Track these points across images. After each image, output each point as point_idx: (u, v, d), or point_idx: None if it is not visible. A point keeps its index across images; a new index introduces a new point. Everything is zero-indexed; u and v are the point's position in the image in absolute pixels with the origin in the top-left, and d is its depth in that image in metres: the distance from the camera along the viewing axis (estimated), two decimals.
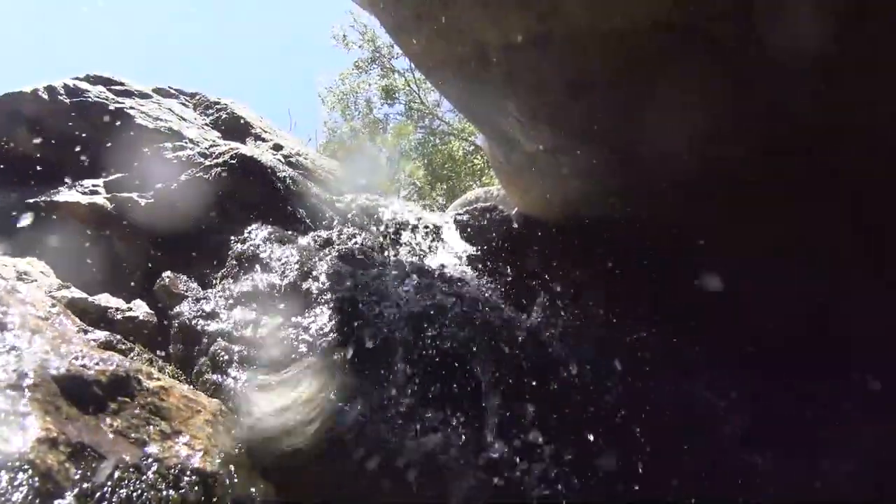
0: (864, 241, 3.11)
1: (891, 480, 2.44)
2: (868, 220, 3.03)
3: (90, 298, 2.93)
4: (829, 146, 2.80)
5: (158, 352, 2.71)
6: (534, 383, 2.70)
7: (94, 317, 2.86)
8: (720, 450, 2.65)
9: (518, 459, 2.36)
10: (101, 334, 2.65)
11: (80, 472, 1.81)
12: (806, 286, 3.07)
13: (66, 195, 3.43)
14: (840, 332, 3.07)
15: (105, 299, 2.92)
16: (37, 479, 1.70)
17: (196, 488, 1.93)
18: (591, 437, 2.56)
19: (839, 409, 2.75)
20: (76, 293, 2.96)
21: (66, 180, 3.55)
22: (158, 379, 2.22)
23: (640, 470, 2.43)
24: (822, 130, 2.77)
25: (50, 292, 2.98)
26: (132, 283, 3.02)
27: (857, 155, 2.78)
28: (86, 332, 2.68)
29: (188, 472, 1.96)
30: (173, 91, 4.36)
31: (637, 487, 2.36)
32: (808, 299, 3.07)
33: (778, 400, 2.87)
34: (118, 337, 2.65)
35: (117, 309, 2.88)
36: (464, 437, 2.35)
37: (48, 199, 3.45)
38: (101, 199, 3.31)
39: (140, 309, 2.88)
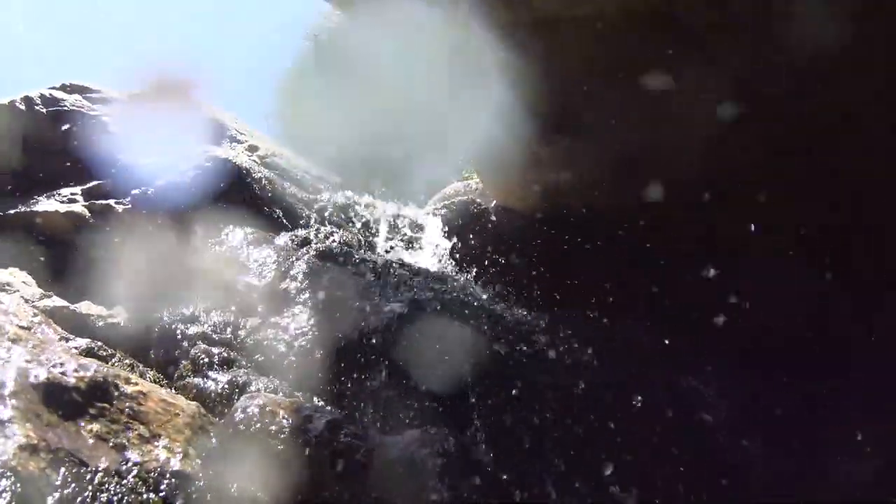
0: (864, 241, 3.13)
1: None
2: (868, 220, 3.05)
3: (71, 307, 2.95)
4: (827, 146, 2.83)
5: (141, 357, 2.73)
6: (518, 379, 2.71)
7: (75, 324, 2.89)
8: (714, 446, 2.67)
9: (501, 457, 2.39)
10: (83, 341, 2.68)
11: (61, 477, 1.84)
12: (805, 286, 3.09)
13: (45, 204, 3.44)
14: (840, 332, 3.09)
15: (86, 307, 2.95)
16: (19, 485, 1.73)
17: (176, 491, 1.96)
18: (578, 432, 2.58)
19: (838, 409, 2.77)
20: (58, 302, 2.99)
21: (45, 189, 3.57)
22: (136, 384, 2.25)
23: (631, 468, 2.46)
24: (818, 130, 2.79)
25: (32, 302, 3.00)
26: (113, 290, 3.04)
27: (854, 155, 2.81)
28: (67, 339, 2.71)
29: (168, 475, 2.00)
30: None
31: (628, 485, 2.38)
32: (807, 299, 3.09)
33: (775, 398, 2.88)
34: (99, 343, 2.68)
35: (98, 316, 2.91)
36: (444, 435, 2.36)
37: (28, 209, 3.47)
38: (79, 207, 3.33)
39: (121, 315, 2.90)
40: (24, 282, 3.19)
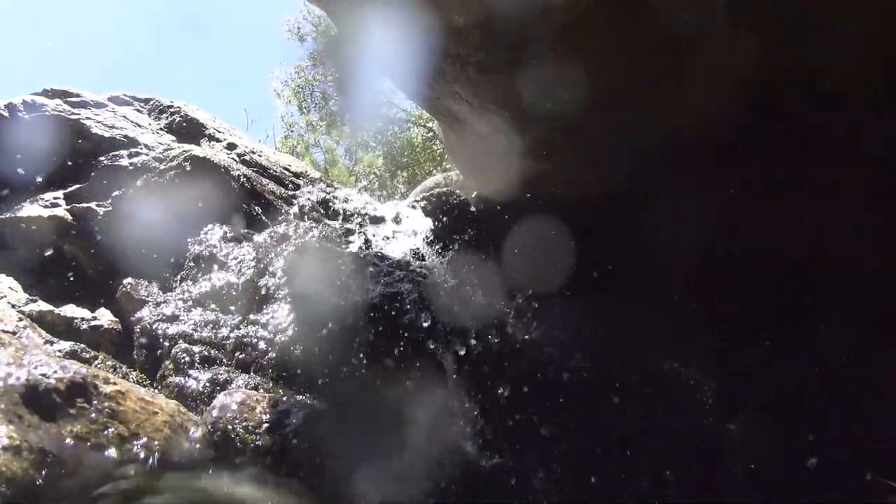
0: None
1: None
2: None
3: (56, 310, 2.98)
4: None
5: (124, 358, 2.77)
6: (498, 364, 2.74)
7: (61, 328, 2.92)
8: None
9: (481, 445, 2.41)
10: (66, 344, 2.72)
11: (43, 478, 1.89)
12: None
13: (28, 210, 3.47)
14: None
15: (70, 310, 2.98)
16: (3, 486, 1.77)
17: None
18: (558, 415, 2.60)
19: None
20: (43, 306, 3.02)
21: (29, 194, 3.59)
22: (115, 384, 2.28)
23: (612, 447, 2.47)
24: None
25: (18, 307, 3.04)
26: (96, 292, 3.07)
27: None
28: (52, 343, 2.75)
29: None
30: (127, 98, 4.37)
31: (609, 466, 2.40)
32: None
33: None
34: (82, 346, 2.72)
35: (83, 319, 2.94)
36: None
37: (12, 214, 3.49)
38: (61, 212, 3.35)
39: (104, 317, 2.93)
40: (10, 287, 3.22)
